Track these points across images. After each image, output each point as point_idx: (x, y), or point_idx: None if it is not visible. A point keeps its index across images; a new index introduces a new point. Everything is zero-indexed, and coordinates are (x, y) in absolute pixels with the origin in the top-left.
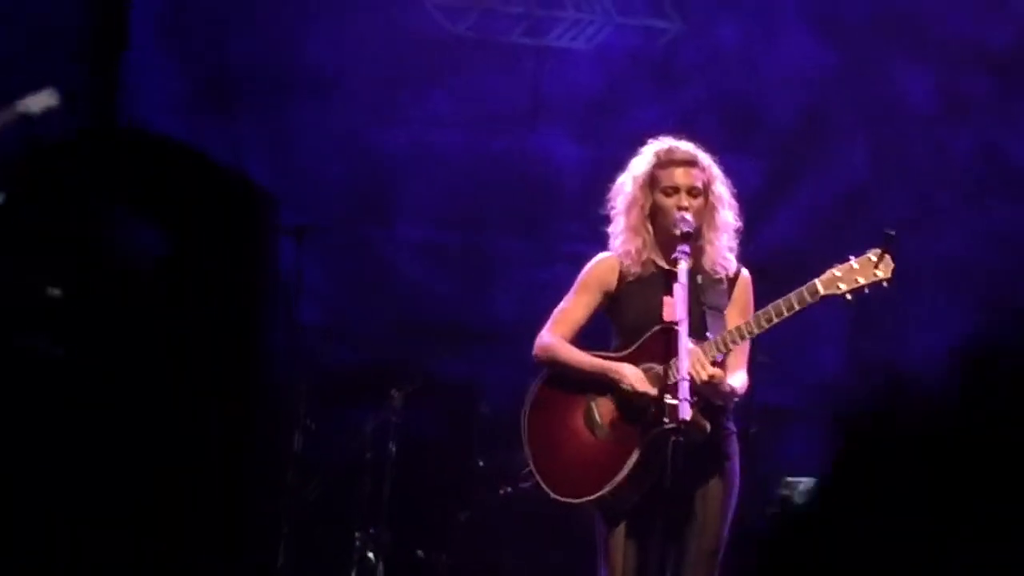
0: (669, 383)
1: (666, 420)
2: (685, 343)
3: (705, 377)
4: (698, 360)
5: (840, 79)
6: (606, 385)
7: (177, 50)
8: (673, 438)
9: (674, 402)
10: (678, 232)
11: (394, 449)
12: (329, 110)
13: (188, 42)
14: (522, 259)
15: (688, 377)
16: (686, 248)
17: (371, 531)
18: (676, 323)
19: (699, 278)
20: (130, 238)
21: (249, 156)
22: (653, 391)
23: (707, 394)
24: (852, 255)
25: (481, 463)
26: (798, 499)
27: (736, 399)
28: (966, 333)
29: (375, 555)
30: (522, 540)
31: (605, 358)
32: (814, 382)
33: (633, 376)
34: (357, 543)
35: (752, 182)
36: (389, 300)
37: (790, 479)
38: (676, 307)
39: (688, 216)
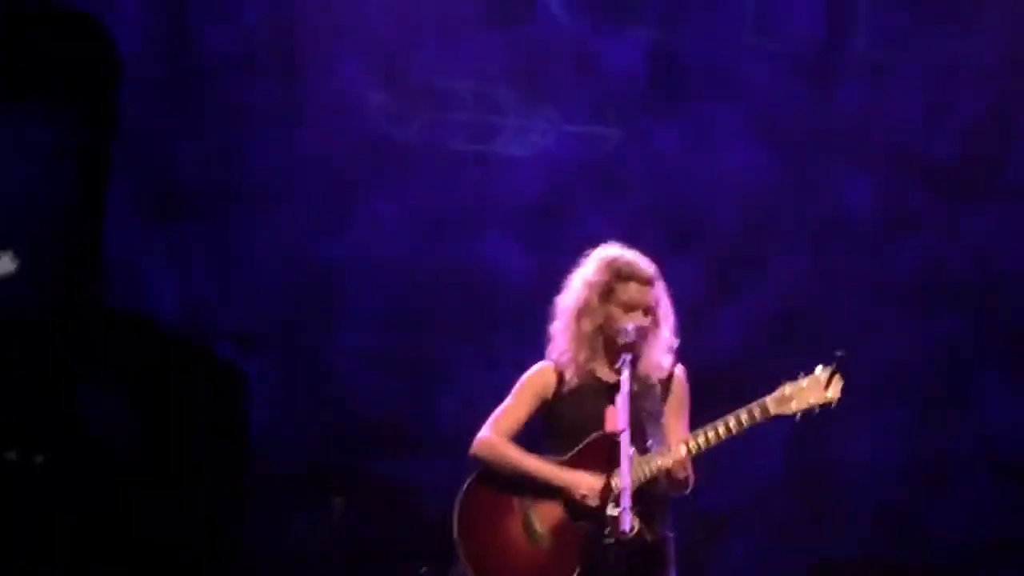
0: (612, 493)
1: (606, 532)
2: (627, 452)
3: (687, 472)
4: (677, 459)
5: (783, 188)
6: (548, 491)
7: (121, 158)
8: (615, 548)
9: (615, 512)
10: (621, 342)
11: (335, 555)
12: (273, 217)
13: (132, 150)
14: (465, 364)
15: (629, 486)
16: (628, 357)
17: None
18: (618, 432)
19: (635, 386)
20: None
21: (192, 264)
22: (599, 503)
23: (677, 488)
24: (802, 372)
25: (424, 569)
26: None
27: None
28: (905, 441)
29: None
30: None
31: (547, 462)
32: (753, 487)
33: (587, 486)
34: None
35: (694, 287)
36: (332, 405)
37: None
38: (619, 416)
39: (631, 327)
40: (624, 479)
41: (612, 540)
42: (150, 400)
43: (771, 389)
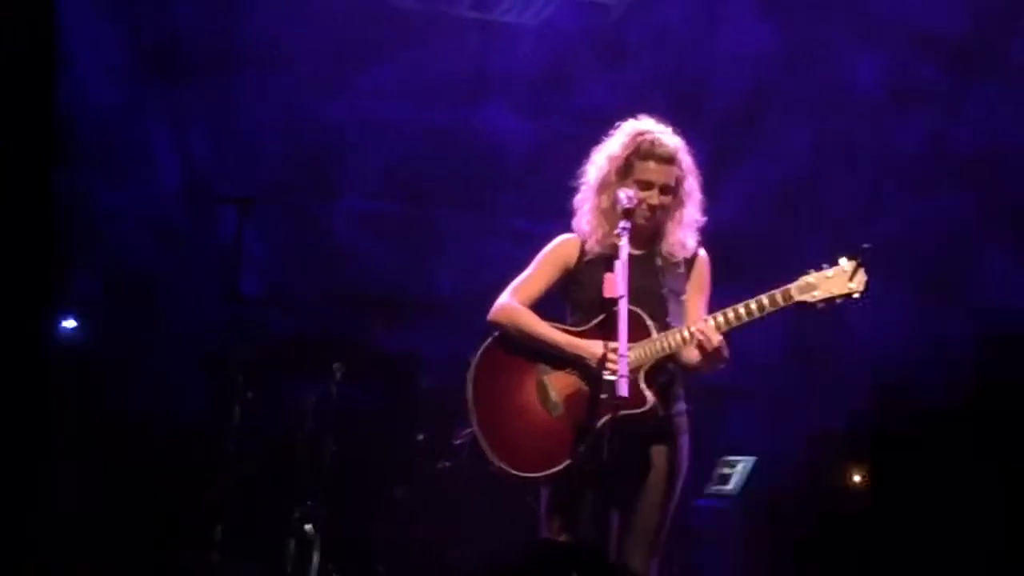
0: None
1: (603, 396)
2: (625, 318)
3: (715, 343)
4: (708, 328)
5: (787, 62)
6: (564, 360)
7: (118, 20)
8: (612, 413)
9: (612, 378)
10: (618, 209)
11: (334, 422)
12: (273, 83)
13: (130, 11)
14: (465, 232)
15: (626, 355)
16: (627, 224)
17: (309, 504)
18: (616, 298)
19: (659, 262)
20: None
21: (192, 127)
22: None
23: (710, 361)
24: (825, 263)
25: (421, 437)
26: (737, 477)
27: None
28: (904, 319)
29: (313, 528)
30: (460, 514)
31: (566, 332)
32: (753, 363)
33: (598, 353)
34: (296, 516)
35: (696, 157)
36: (331, 272)
37: (729, 458)
38: (617, 283)
39: (625, 195)
40: (622, 346)
41: (611, 405)
42: None
43: (772, 261)
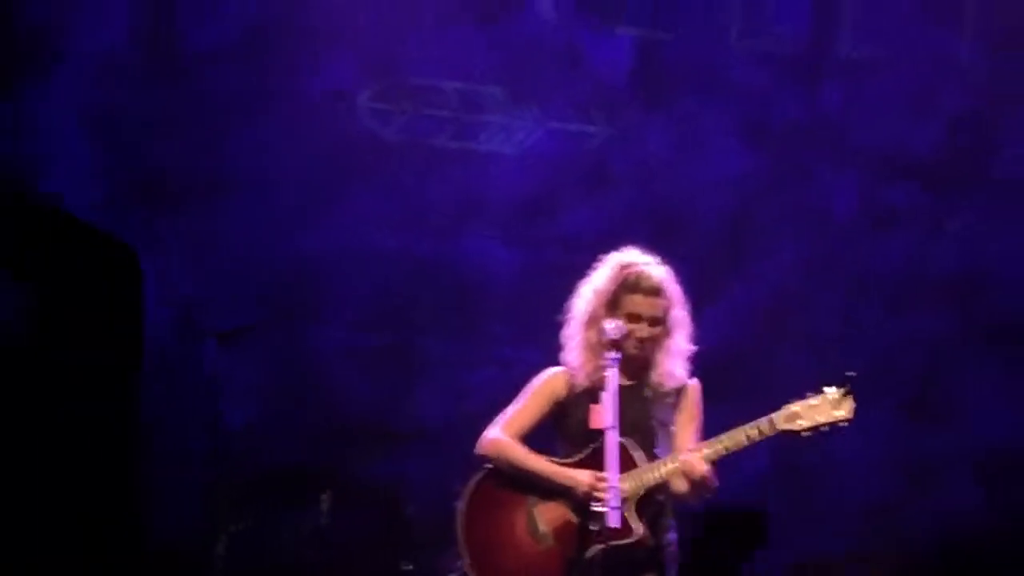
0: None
1: (593, 527)
2: (615, 450)
3: (702, 473)
4: (695, 459)
5: (767, 184)
6: (553, 491)
7: (102, 150)
8: (603, 544)
9: (603, 509)
10: (604, 341)
11: (322, 551)
12: (256, 211)
13: (113, 142)
14: (450, 361)
15: (617, 485)
16: (616, 355)
17: None
18: (604, 429)
19: (647, 393)
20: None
21: (173, 258)
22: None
23: (698, 491)
24: (809, 392)
25: (409, 567)
26: None
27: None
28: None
29: None
30: None
31: (554, 463)
32: (739, 488)
33: (587, 483)
34: None
35: (679, 283)
36: (316, 401)
37: None
38: (604, 414)
39: (612, 325)
40: (612, 477)
41: (601, 536)
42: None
43: (755, 384)
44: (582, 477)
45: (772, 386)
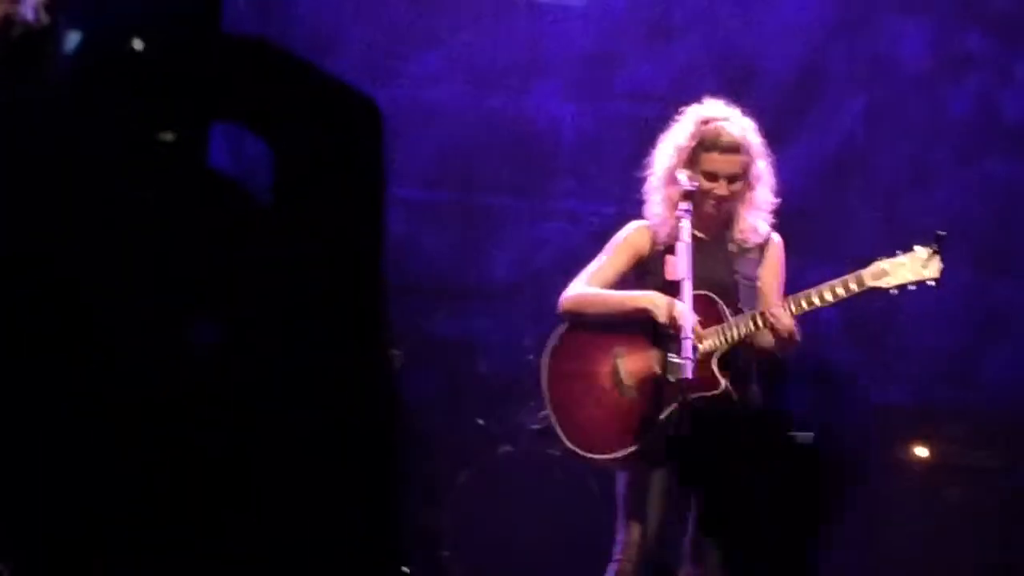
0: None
1: (669, 376)
2: (689, 301)
3: (789, 327)
4: (781, 314)
5: (836, 32)
6: (635, 340)
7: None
8: (683, 396)
9: (678, 360)
10: (680, 191)
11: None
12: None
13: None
14: (517, 217)
15: (691, 336)
16: (688, 207)
17: None
18: (678, 281)
19: (731, 248)
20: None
21: None
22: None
23: (783, 346)
24: (899, 250)
25: (481, 422)
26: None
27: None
28: (958, 288)
29: None
30: (523, 499)
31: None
32: (807, 336)
33: (667, 306)
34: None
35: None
36: (385, 260)
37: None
38: (678, 265)
39: (689, 174)
40: (686, 328)
41: (682, 388)
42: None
43: (825, 236)
44: (658, 299)
45: (842, 238)
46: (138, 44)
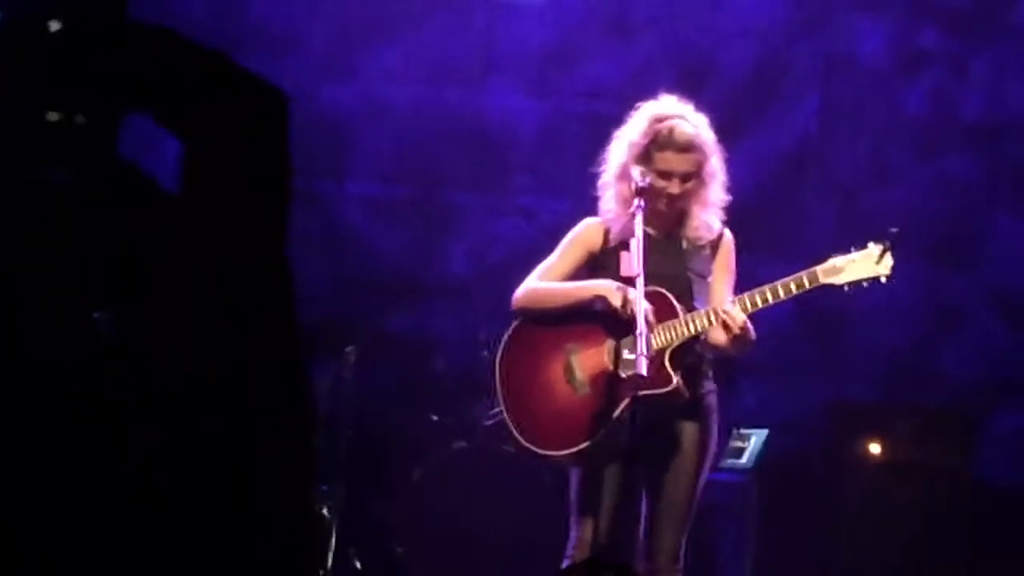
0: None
1: (623, 374)
2: (641, 297)
3: (740, 323)
4: (733, 310)
5: (794, 32)
6: (589, 336)
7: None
8: (634, 393)
9: (631, 356)
10: (633, 187)
11: (348, 406)
12: (278, 67)
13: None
14: (474, 213)
15: (645, 332)
16: (641, 203)
17: (324, 488)
18: (632, 277)
19: (684, 245)
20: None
21: None
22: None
23: (737, 343)
24: (853, 247)
25: (435, 418)
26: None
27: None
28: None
29: (329, 511)
30: (477, 495)
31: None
32: (763, 333)
33: (621, 292)
34: (312, 500)
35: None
36: (341, 256)
37: (742, 431)
38: (632, 261)
39: (642, 170)
40: (639, 324)
41: (635, 384)
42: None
43: (781, 233)
44: (615, 287)
45: (798, 235)
46: (55, 25)
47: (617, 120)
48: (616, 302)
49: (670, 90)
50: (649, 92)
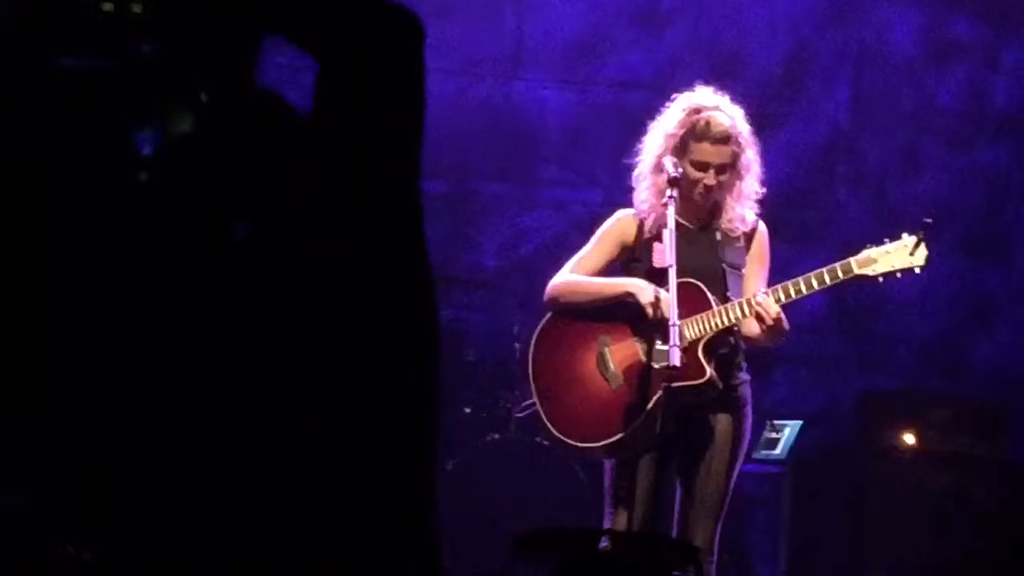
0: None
1: (655, 364)
2: (674, 289)
3: (774, 315)
4: (766, 302)
5: (825, 22)
6: (622, 328)
7: None
8: (667, 384)
9: (664, 347)
10: (666, 177)
11: None
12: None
13: None
14: (505, 205)
15: (677, 324)
16: (673, 193)
17: None
18: (665, 268)
19: (718, 236)
20: None
21: None
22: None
23: (771, 334)
24: (887, 237)
25: (468, 410)
26: (784, 441)
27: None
28: (946, 274)
29: None
30: (510, 486)
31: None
32: (796, 324)
33: (652, 291)
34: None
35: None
36: None
37: (776, 422)
38: (665, 252)
39: (675, 161)
40: (672, 315)
41: (667, 376)
42: None
43: (813, 224)
44: (646, 285)
45: (830, 226)
46: None
47: (648, 111)
48: (645, 300)
49: (700, 81)
50: (679, 83)
